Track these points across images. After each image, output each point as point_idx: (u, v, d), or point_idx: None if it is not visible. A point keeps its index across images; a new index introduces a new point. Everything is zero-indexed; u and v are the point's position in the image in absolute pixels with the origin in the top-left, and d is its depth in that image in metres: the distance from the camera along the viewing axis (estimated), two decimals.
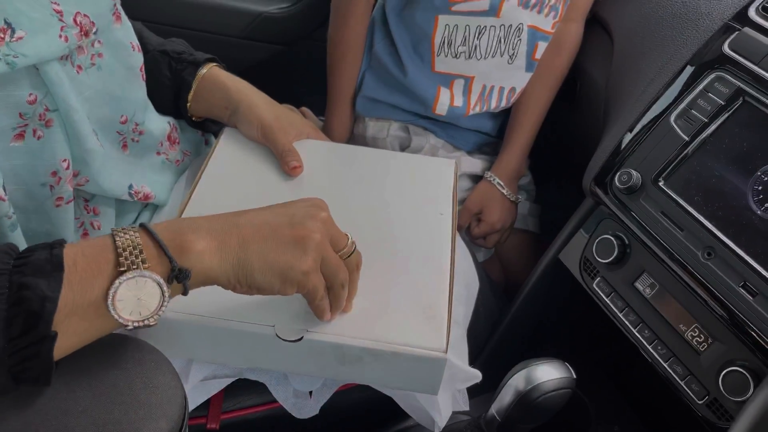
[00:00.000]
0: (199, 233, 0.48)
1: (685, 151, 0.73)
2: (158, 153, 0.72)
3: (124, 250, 0.44)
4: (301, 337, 0.55)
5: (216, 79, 0.75)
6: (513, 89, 1.00)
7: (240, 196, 0.68)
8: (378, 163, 0.76)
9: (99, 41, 0.60)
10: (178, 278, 0.46)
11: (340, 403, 0.76)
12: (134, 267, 0.44)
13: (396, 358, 0.56)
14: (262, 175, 0.72)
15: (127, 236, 0.45)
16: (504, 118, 1.05)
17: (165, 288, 0.46)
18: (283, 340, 0.55)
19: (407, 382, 0.59)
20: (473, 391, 0.76)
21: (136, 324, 0.45)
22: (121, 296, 0.44)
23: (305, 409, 0.72)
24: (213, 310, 0.57)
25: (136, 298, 0.44)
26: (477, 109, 1.00)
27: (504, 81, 0.99)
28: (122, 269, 0.44)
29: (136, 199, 0.68)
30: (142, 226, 0.47)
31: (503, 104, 1.01)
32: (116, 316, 0.44)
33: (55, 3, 0.54)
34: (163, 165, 0.73)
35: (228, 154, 0.74)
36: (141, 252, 0.45)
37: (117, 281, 0.44)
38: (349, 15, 0.98)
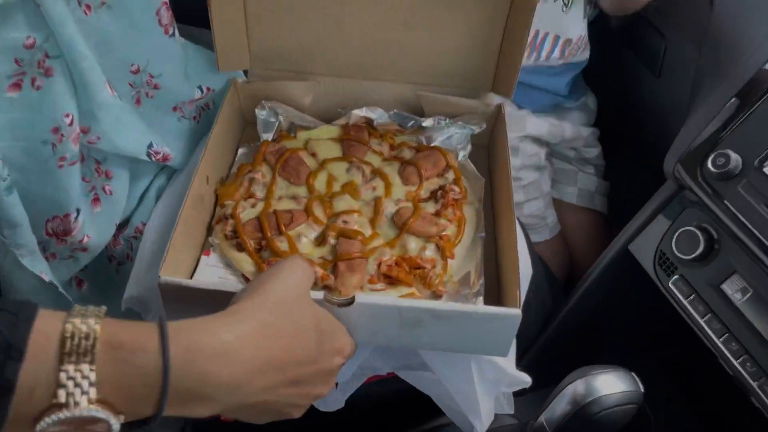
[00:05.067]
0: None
1: None
2: (174, 108, 0.66)
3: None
4: (352, 301, 0.51)
5: None
6: (568, 40, 0.94)
7: None
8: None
9: None
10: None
11: (370, 395, 0.70)
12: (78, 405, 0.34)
13: (463, 318, 0.52)
14: None
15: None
16: (567, 77, 0.98)
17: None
18: (333, 303, 0.51)
19: (473, 344, 0.55)
20: (517, 390, 0.69)
21: None
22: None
23: (331, 401, 0.67)
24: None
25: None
26: (525, 56, 0.93)
27: (558, 29, 0.92)
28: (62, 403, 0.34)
29: (154, 159, 0.62)
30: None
31: (556, 55, 0.95)
32: None
33: None
34: (180, 123, 0.67)
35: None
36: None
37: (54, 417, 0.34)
38: None
